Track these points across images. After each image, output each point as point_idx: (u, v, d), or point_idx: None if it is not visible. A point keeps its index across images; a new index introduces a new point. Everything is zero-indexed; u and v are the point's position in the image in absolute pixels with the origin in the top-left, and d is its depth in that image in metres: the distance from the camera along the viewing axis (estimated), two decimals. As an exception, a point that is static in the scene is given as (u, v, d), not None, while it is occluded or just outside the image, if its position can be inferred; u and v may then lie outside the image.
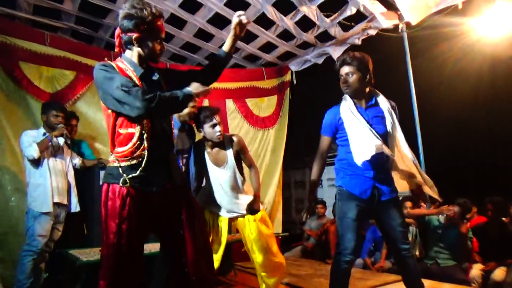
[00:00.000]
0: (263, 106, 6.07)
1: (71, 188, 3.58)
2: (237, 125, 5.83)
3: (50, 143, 3.37)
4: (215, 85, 5.67)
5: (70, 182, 3.59)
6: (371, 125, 2.42)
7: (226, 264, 4.17)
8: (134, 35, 1.83)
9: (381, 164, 2.45)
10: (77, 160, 3.77)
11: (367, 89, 2.53)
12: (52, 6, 4.22)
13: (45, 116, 3.51)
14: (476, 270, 3.85)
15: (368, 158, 2.36)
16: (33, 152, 3.26)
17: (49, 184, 3.33)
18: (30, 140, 3.31)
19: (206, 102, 5.57)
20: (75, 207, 3.59)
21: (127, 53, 1.91)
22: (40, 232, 3.23)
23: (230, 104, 5.83)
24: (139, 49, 1.87)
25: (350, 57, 2.47)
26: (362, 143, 2.40)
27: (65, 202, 3.46)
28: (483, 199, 4.35)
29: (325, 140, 2.61)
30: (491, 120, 5.49)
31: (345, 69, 2.48)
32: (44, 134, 3.42)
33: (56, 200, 3.36)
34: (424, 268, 3.91)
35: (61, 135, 3.44)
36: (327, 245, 5.12)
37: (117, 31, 1.88)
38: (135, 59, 1.89)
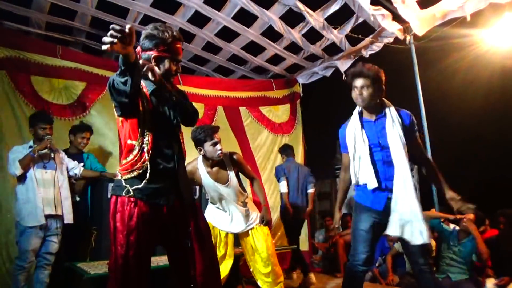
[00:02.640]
0: (279, 114, 6.12)
1: (63, 199, 3.49)
2: (255, 131, 5.87)
3: (33, 157, 3.32)
4: (229, 94, 5.73)
5: (63, 193, 3.50)
6: (376, 138, 2.45)
7: (234, 277, 4.13)
8: (153, 54, 1.89)
9: (393, 175, 2.41)
10: (78, 170, 3.72)
11: (378, 100, 2.51)
12: (64, 23, 4.32)
13: (32, 129, 3.48)
14: (489, 285, 3.77)
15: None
16: (15, 170, 3.25)
17: (39, 197, 3.29)
18: (15, 157, 3.29)
19: (220, 109, 5.61)
20: (70, 219, 3.50)
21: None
22: (26, 247, 3.22)
23: (244, 111, 5.87)
24: (155, 67, 1.91)
25: (366, 69, 2.42)
26: (357, 167, 2.47)
27: (58, 212, 3.39)
28: (494, 210, 4.28)
29: (345, 157, 2.66)
30: (500, 131, 5.44)
31: (359, 82, 2.43)
32: (30, 147, 3.39)
33: (48, 212, 3.32)
34: (436, 283, 3.82)
35: (45, 149, 3.37)
36: (336, 258, 5.05)
37: (138, 49, 1.93)
38: (149, 76, 1.92)
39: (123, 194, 1.83)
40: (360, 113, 2.55)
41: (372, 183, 2.39)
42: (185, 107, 1.93)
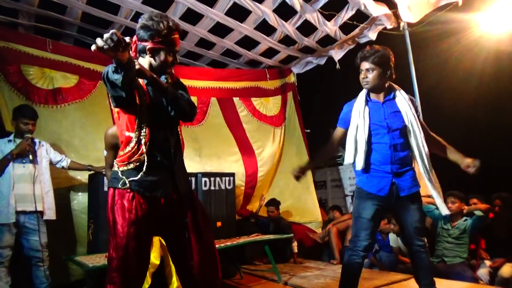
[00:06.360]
0: (269, 106, 6.13)
1: (45, 194, 3.43)
2: (250, 121, 5.90)
3: (9, 160, 3.26)
4: (222, 84, 5.75)
5: (44, 187, 3.43)
6: (386, 120, 2.47)
7: (232, 267, 4.18)
8: (148, 46, 1.86)
9: (400, 158, 2.45)
10: (65, 163, 3.70)
11: (387, 84, 2.53)
12: (54, 17, 4.28)
13: (14, 122, 3.41)
14: (483, 268, 3.82)
15: (351, 161, 2.49)
16: None
17: (12, 193, 3.23)
18: None
19: (214, 101, 5.62)
20: (51, 215, 3.44)
21: (140, 60, 1.93)
22: None
23: (238, 102, 5.88)
24: (151, 59, 1.90)
25: (371, 52, 2.45)
26: (351, 146, 2.49)
27: (38, 208, 3.31)
28: (489, 195, 4.31)
29: (338, 131, 2.67)
30: (494, 116, 5.45)
31: (365, 65, 2.47)
32: (10, 141, 3.36)
33: (22, 208, 3.26)
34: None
35: (24, 150, 3.30)
36: (331, 246, 5.09)
37: (134, 38, 1.91)
38: (146, 67, 1.90)
39: (120, 186, 1.83)
40: (368, 94, 2.57)
41: (359, 164, 2.45)
42: (181, 104, 1.88)
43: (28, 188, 3.32)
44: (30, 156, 3.34)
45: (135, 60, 1.80)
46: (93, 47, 1.43)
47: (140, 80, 1.87)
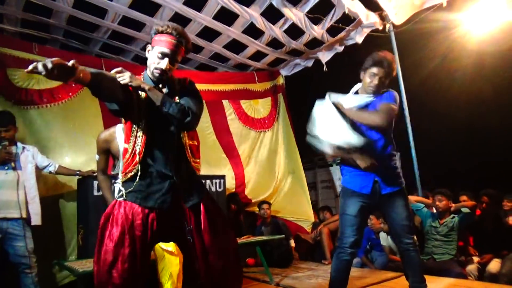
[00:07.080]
0: (258, 108, 6.14)
1: (30, 199, 3.36)
2: (238, 125, 5.89)
3: None
4: (211, 87, 5.74)
5: (29, 193, 3.37)
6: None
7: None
8: (148, 48, 1.92)
9: (382, 157, 2.48)
10: (53, 168, 3.64)
11: None
12: (40, 20, 4.23)
13: None
14: (472, 264, 3.88)
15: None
16: None
17: None
18: None
19: (203, 103, 5.59)
20: (37, 220, 3.37)
21: None
22: None
23: (227, 104, 5.87)
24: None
25: (387, 61, 2.49)
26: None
27: (22, 214, 3.25)
28: (475, 192, 4.40)
29: None
30: (476, 113, 5.55)
31: (377, 70, 2.49)
32: None
33: (2, 215, 3.19)
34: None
35: (3, 159, 3.24)
36: (322, 246, 5.12)
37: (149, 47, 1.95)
38: (148, 71, 1.91)
39: (116, 197, 1.86)
40: (356, 93, 2.62)
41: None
42: (172, 113, 1.78)
43: (11, 194, 3.24)
44: (12, 164, 3.29)
45: (128, 72, 1.78)
46: (25, 70, 1.45)
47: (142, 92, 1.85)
